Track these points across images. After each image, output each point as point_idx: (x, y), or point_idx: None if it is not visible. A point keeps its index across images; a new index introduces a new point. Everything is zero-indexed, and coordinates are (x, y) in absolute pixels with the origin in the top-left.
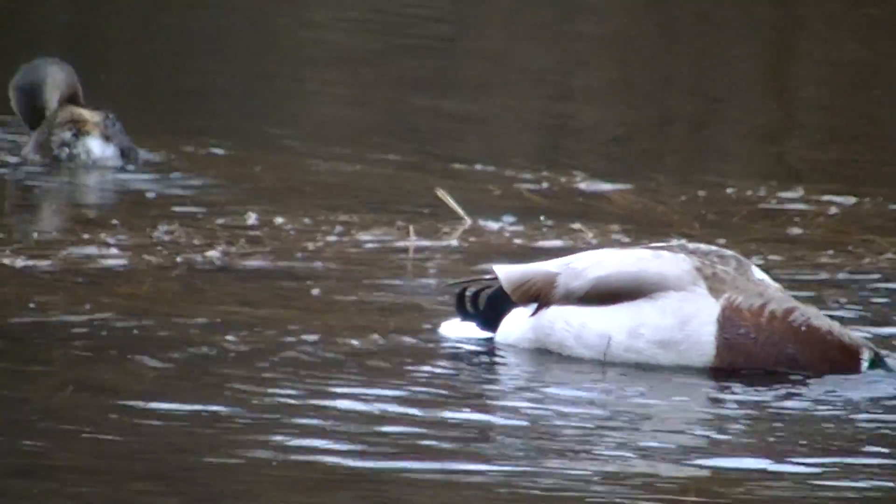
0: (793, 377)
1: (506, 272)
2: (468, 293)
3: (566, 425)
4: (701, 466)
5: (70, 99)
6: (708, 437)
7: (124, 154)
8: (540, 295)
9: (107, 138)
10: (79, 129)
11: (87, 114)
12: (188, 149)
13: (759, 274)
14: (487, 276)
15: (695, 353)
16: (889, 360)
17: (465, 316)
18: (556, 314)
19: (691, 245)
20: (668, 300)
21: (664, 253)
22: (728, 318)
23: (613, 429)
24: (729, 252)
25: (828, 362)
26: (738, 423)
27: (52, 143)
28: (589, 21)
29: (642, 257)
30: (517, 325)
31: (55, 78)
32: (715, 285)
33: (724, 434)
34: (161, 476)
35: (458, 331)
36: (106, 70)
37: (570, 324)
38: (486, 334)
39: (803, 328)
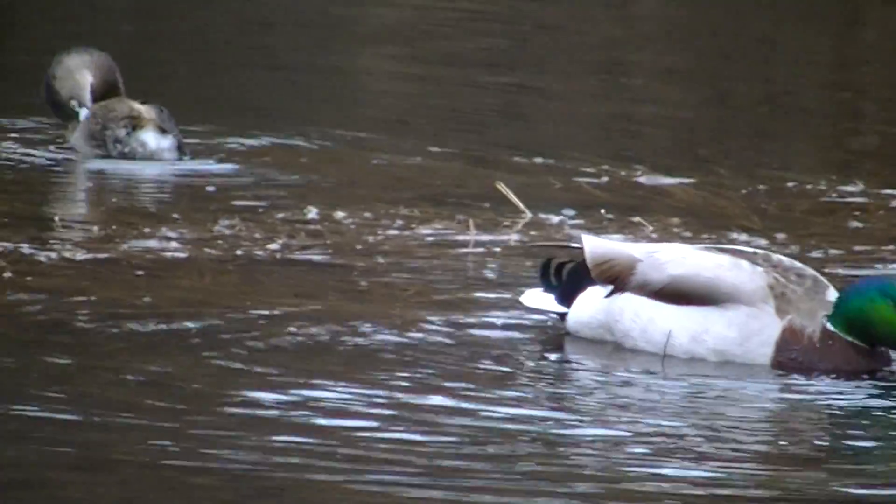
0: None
1: (592, 246)
2: (554, 263)
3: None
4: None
5: (109, 88)
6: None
7: (179, 147)
8: (618, 278)
9: (162, 131)
10: (135, 124)
11: (143, 109)
12: (249, 142)
13: (832, 296)
14: (575, 245)
15: (748, 368)
16: None
17: (548, 287)
18: (628, 302)
19: (775, 257)
20: (736, 313)
21: (744, 263)
22: (785, 341)
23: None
24: (810, 271)
25: (853, 367)
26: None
27: (106, 138)
28: (652, 3)
29: (721, 264)
30: (591, 304)
31: (67, 66)
32: (782, 305)
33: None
34: (219, 472)
35: (537, 302)
36: (160, 63)
37: (638, 315)
38: (562, 309)
39: (830, 342)
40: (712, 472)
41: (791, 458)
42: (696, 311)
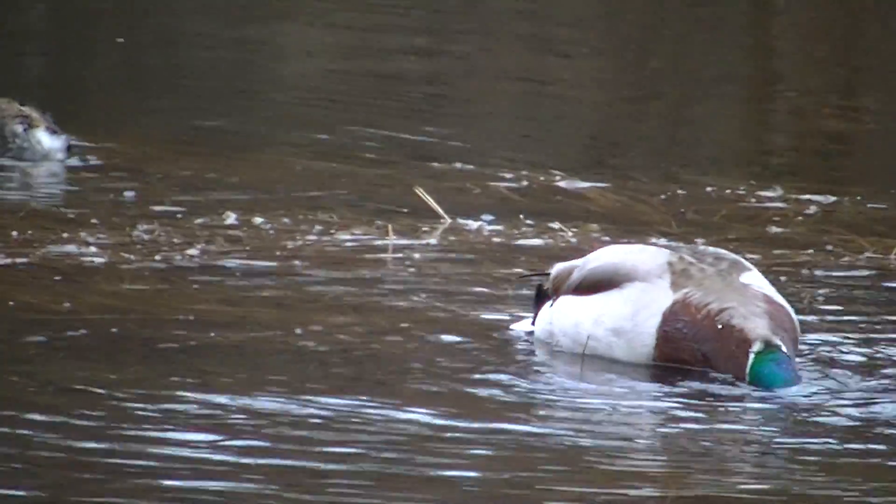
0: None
1: (555, 268)
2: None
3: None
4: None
5: None
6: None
7: (69, 147)
8: (560, 287)
9: (53, 131)
10: (29, 123)
11: (30, 109)
12: (165, 147)
13: (750, 279)
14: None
15: (639, 343)
16: (774, 366)
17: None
18: (558, 304)
19: (700, 248)
20: (630, 290)
21: (650, 248)
22: (674, 312)
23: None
24: (732, 256)
25: (729, 359)
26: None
27: (5, 135)
28: (562, 9)
29: (630, 251)
30: (540, 317)
31: None
32: (679, 280)
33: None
34: (137, 475)
35: (523, 327)
36: (87, 67)
37: (559, 312)
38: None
39: (720, 325)
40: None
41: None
42: (598, 297)
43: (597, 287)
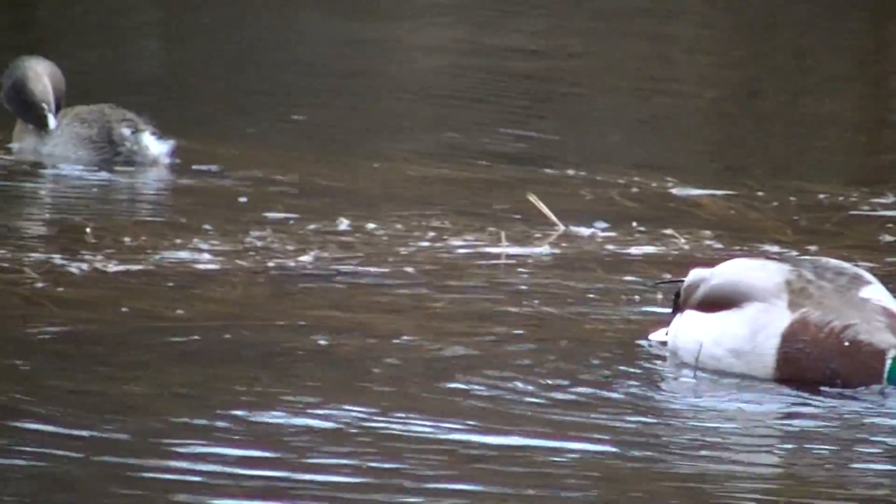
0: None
1: (688, 276)
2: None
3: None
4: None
5: (59, 99)
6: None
7: (173, 151)
8: (688, 299)
9: (159, 135)
10: (135, 126)
11: (132, 113)
12: (278, 152)
13: (870, 293)
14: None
15: (759, 363)
16: None
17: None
18: (681, 319)
19: (823, 260)
20: (748, 310)
21: (770, 265)
22: (793, 332)
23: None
24: (853, 270)
25: (862, 372)
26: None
27: (114, 139)
28: (682, 19)
29: (750, 267)
30: (670, 328)
31: (36, 70)
32: (797, 299)
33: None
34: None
35: (659, 337)
36: (195, 70)
37: (683, 327)
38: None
39: (846, 343)
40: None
41: None
42: (718, 316)
43: (717, 304)
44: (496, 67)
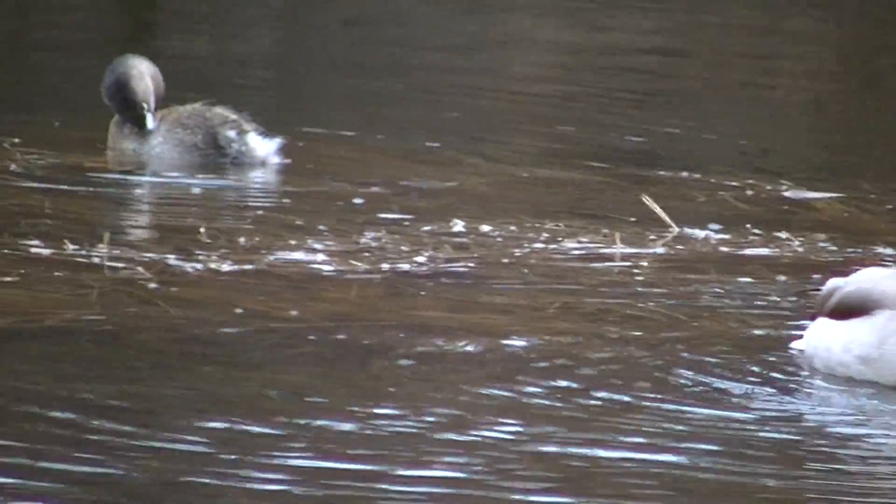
0: None
1: (826, 285)
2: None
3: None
4: None
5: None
6: None
7: (280, 149)
8: (822, 307)
9: (265, 134)
10: (240, 128)
11: (235, 114)
12: (392, 152)
13: None
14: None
15: (888, 371)
16: None
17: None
18: (816, 324)
19: None
20: (877, 318)
21: None
22: None
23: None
24: None
25: None
26: None
27: (219, 142)
28: (798, 10)
29: (885, 276)
30: (805, 334)
31: (139, 69)
32: None
33: None
34: (373, 478)
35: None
36: (308, 64)
37: (816, 333)
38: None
39: None
40: None
41: None
42: (849, 323)
43: (849, 312)
44: (606, 64)
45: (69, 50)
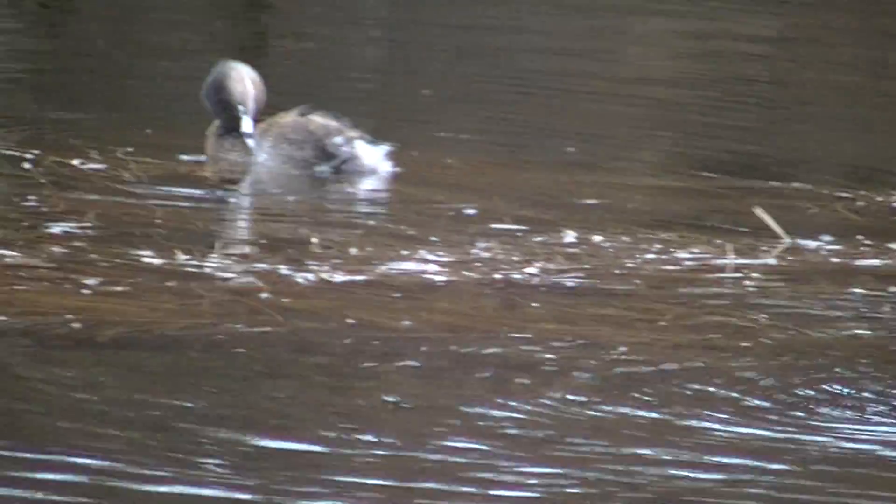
0: None
1: None
2: None
3: None
4: None
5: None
6: None
7: (388, 155)
8: None
9: (371, 141)
10: (345, 135)
11: (338, 123)
12: (502, 161)
13: None
14: None
15: None
16: None
17: None
18: None
19: None
20: None
21: None
22: None
23: None
24: None
25: None
26: None
27: (327, 151)
28: None
29: None
30: None
31: (239, 71)
32: None
33: None
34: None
35: None
36: (414, 67)
37: None
38: None
39: None
40: None
41: None
42: None
43: None
44: (719, 69)
45: (179, 57)
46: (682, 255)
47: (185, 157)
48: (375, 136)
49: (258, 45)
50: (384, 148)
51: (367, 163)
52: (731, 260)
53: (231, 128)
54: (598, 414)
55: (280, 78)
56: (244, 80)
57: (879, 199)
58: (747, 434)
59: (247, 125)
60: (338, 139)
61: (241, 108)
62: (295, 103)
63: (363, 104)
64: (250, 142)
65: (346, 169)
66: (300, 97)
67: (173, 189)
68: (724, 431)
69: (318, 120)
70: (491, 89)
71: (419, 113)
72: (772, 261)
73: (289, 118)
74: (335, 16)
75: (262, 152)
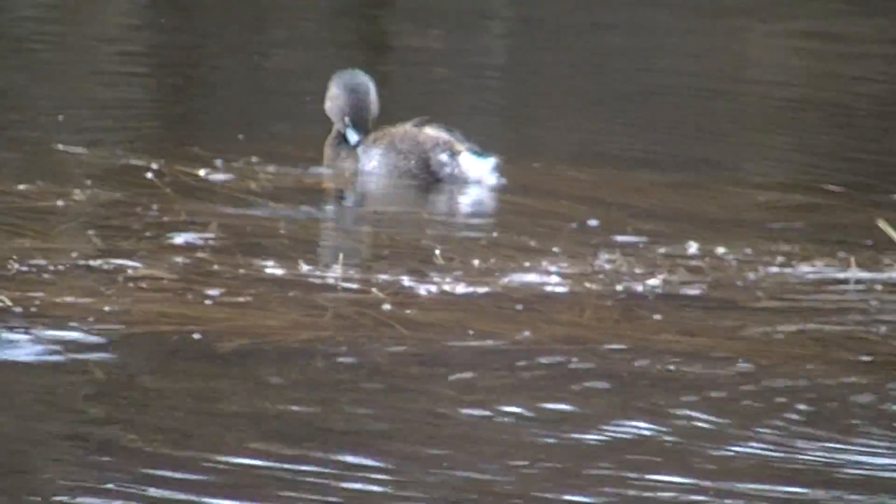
0: None
1: None
2: None
3: None
4: None
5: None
6: None
7: (496, 167)
8: None
9: (478, 153)
10: (451, 149)
11: (445, 134)
12: (623, 172)
13: None
14: None
15: None
16: None
17: None
18: None
19: None
20: None
21: None
22: None
23: None
24: None
25: None
26: None
27: (431, 166)
28: None
29: None
30: None
31: (367, 85)
32: None
33: None
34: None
35: None
36: (538, 74)
37: None
38: None
39: None
40: None
41: None
42: None
43: None
44: (842, 74)
45: (306, 66)
46: (804, 267)
47: (308, 168)
48: (491, 146)
49: (379, 45)
50: (492, 161)
51: (472, 175)
52: (853, 273)
53: (346, 137)
54: (722, 423)
55: (402, 80)
56: (370, 93)
57: None
58: (866, 448)
59: (352, 136)
60: (443, 156)
61: (347, 119)
62: (417, 104)
63: (485, 109)
64: (360, 150)
65: (450, 182)
66: (420, 98)
67: (299, 199)
68: (847, 445)
69: (428, 132)
70: (615, 96)
71: (542, 121)
72: (895, 274)
73: (402, 128)
74: (458, 12)
75: (372, 160)
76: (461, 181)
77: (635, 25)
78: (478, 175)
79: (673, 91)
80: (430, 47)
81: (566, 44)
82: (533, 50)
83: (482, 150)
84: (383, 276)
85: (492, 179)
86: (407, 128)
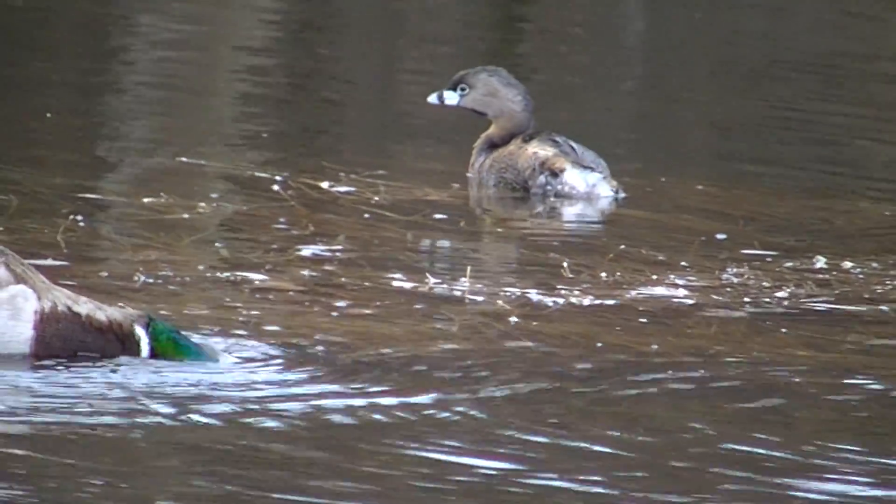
0: None
1: None
2: None
3: None
4: None
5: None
6: None
7: (606, 179)
8: None
9: (583, 167)
10: (550, 170)
11: (548, 152)
12: (752, 187)
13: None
14: None
15: None
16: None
17: None
18: None
19: None
20: None
21: None
22: None
23: None
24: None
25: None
26: None
27: (528, 187)
28: None
29: None
30: None
31: (512, 81)
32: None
33: None
34: None
35: None
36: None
37: None
38: None
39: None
40: None
41: None
42: None
43: None
44: None
45: (436, 75)
46: None
47: (432, 181)
48: (618, 158)
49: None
50: (598, 175)
51: (580, 191)
52: None
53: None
54: (851, 436)
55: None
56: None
57: None
58: None
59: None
60: (541, 178)
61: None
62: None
63: (615, 118)
64: (480, 170)
65: (555, 199)
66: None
67: (423, 211)
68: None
69: (529, 151)
70: (742, 109)
71: (669, 136)
72: None
73: (505, 150)
74: (592, 29)
75: (483, 171)
76: (569, 197)
77: (767, 33)
78: (585, 190)
79: (800, 110)
80: (558, 60)
81: (697, 54)
82: (665, 62)
83: (592, 162)
84: (511, 289)
85: (605, 192)
86: (511, 149)
